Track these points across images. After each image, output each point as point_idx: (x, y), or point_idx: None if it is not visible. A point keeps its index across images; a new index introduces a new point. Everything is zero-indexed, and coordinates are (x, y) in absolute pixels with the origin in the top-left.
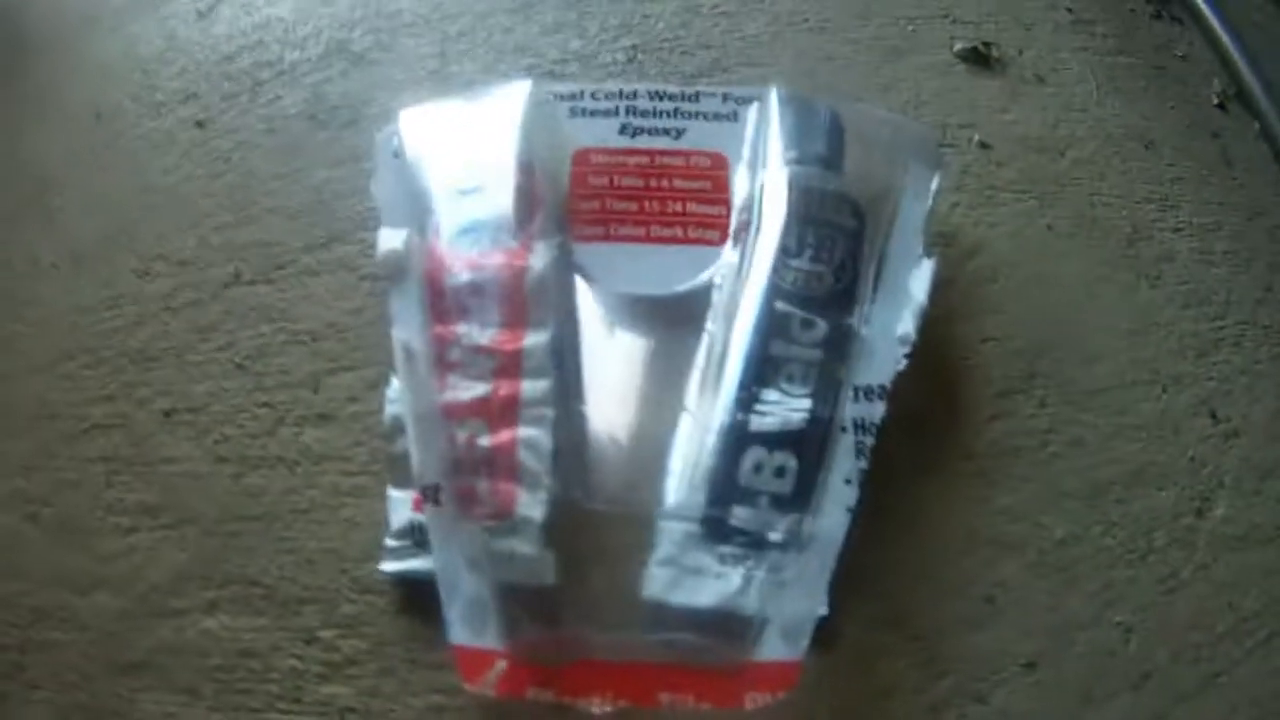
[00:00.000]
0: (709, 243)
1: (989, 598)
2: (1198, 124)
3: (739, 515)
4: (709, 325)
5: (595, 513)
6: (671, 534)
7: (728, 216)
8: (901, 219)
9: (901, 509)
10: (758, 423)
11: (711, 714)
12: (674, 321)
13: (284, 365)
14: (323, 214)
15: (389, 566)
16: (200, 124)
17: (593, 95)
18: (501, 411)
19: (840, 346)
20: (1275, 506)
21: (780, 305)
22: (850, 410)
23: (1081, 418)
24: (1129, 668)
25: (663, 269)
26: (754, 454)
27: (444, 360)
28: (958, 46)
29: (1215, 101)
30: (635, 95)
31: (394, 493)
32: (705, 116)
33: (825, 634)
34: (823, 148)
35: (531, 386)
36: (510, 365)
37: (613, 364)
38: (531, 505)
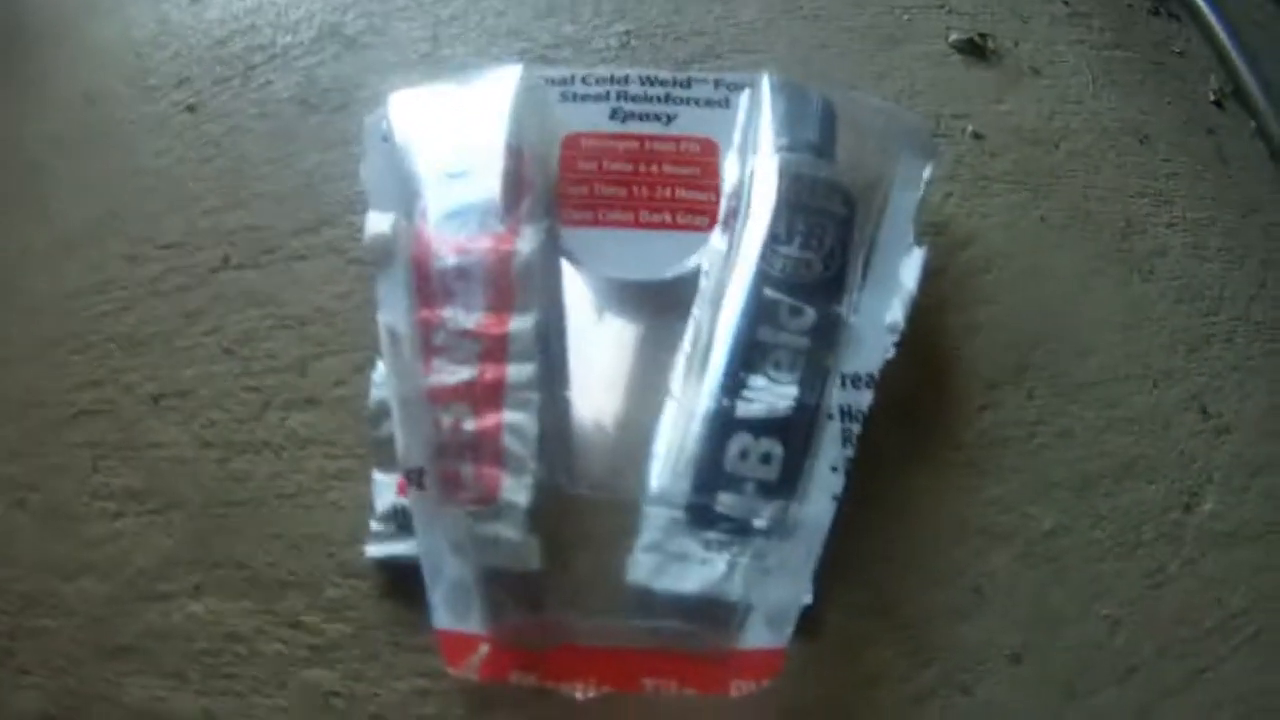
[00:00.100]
0: (698, 229)
1: (976, 588)
2: (1194, 120)
3: (724, 501)
4: (696, 311)
5: (580, 498)
6: (656, 520)
7: (717, 202)
8: (893, 208)
9: (889, 497)
10: (744, 409)
11: (696, 700)
12: (661, 307)
13: (271, 350)
14: (312, 198)
15: (373, 550)
16: (191, 108)
17: (583, 80)
18: (487, 396)
19: (828, 334)
20: (1264, 503)
21: (768, 292)
22: (837, 398)
23: (1071, 410)
24: (1115, 661)
25: (651, 254)
26: (740, 440)
27: (429, 344)
28: (953, 37)
29: (1212, 98)
30: (626, 80)
31: (378, 476)
32: (697, 102)
33: (810, 622)
34: (814, 135)
35: (517, 371)
36: (496, 349)
37: (599, 349)
38: (516, 490)
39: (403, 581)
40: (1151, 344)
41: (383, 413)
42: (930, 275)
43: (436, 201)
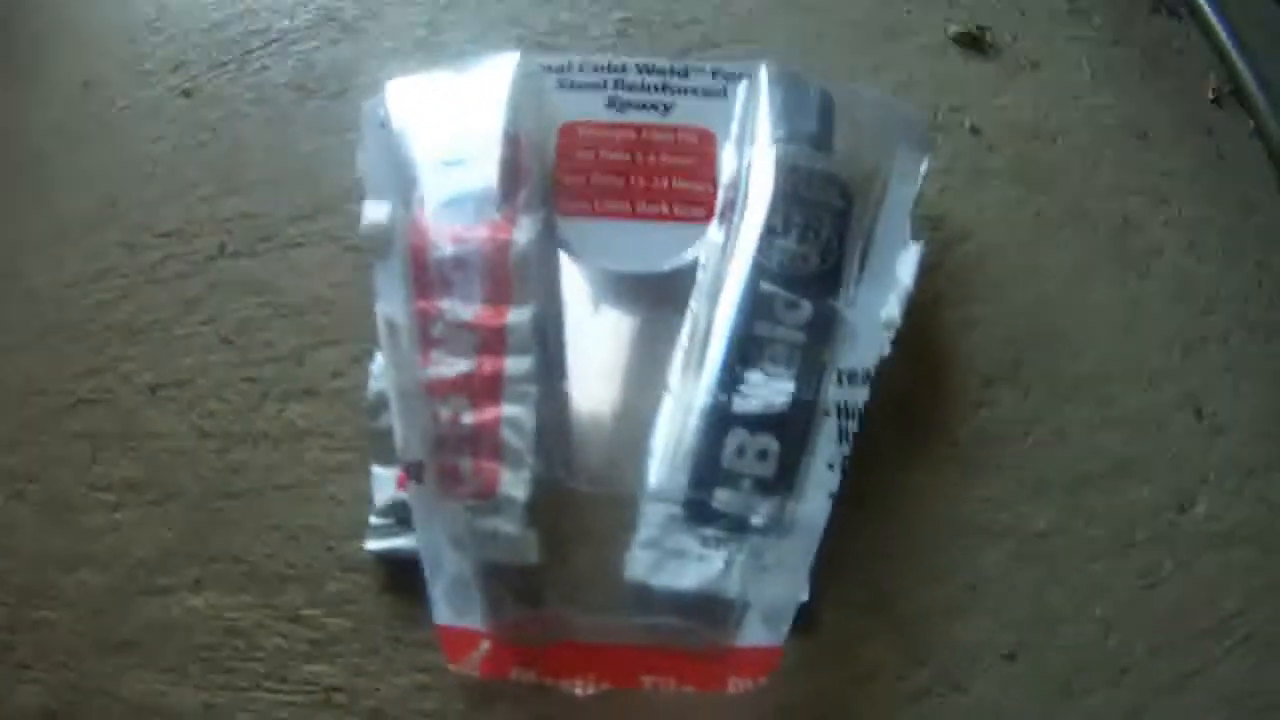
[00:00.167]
0: (695, 220)
1: (970, 586)
2: (1192, 119)
3: (721, 498)
4: (693, 304)
5: (578, 493)
6: (654, 516)
7: (714, 194)
8: (889, 201)
9: (884, 495)
10: (740, 404)
11: (694, 697)
12: (658, 300)
13: (269, 339)
14: (309, 185)
15: (373, 545)
16: (188, 93)
17: (581, 68)
18: (485, 388)
19: (824, 329)
20: (1258, 505)
21: (765, 285)
22: (834, 394)
23: (1066, 409)
24: (1109, 661)
25: (648, 246)
26: (736, 436)
27: (428, 336)
28: (952, 30)
29: (1210, 97)
30: (624, 69)
31: (378, 470)
32: (694, 92)
33: (806, 619)
34: (812, 126)
35: (515, 363)
36: (494, 342)
37: (596, 342)
38: (514, 484)
39: (402, 576)
40: (1147, 343)
41: (381, 405)
42: (926, 270)
43: (434, 189)
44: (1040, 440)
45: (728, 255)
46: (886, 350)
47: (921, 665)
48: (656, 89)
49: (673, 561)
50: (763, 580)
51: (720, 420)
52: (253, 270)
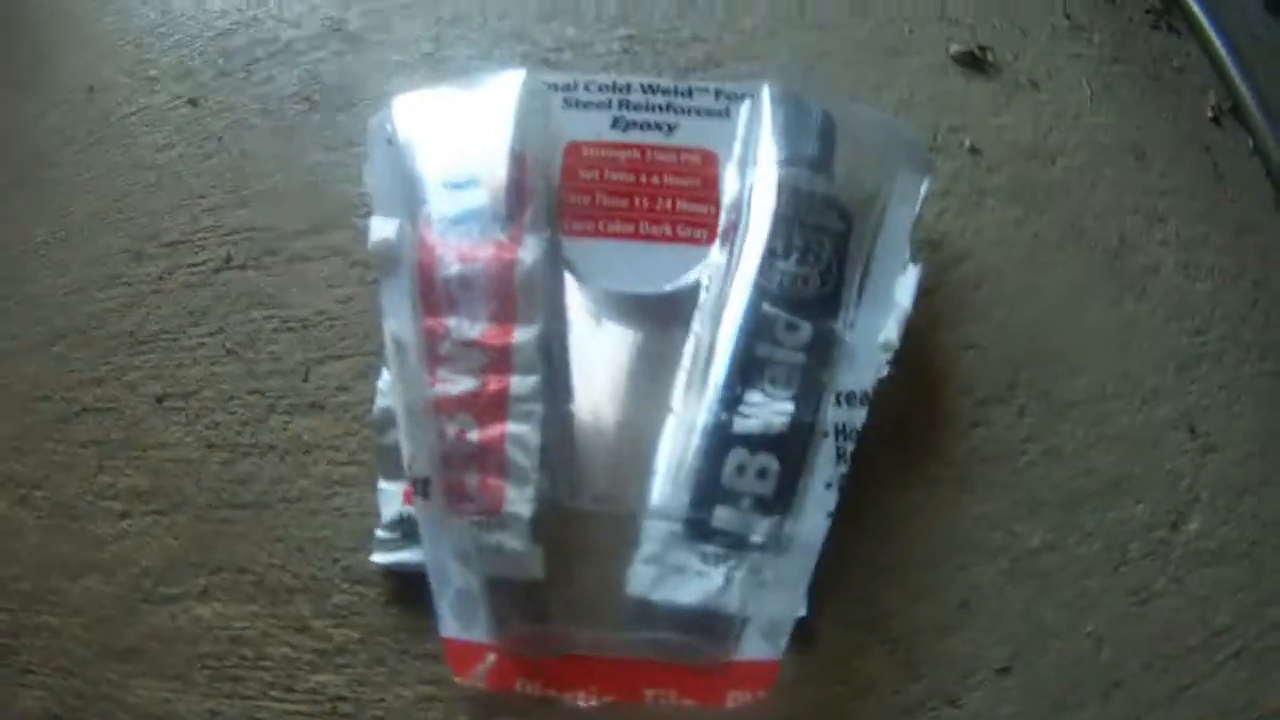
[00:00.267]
0: (697, 242)
1: (964, 603)
2: (1190, 136)
3: (721, 516)
4: (695, 326)
5: (582, 510)
6: (655, 532)
7: (716, 216)
8: (889, 224)
9: (880, 513)
10: (741, 424)
11: (694, 710)
12: (661, 320)
13: (275, 352)
14: (315, 199)
15: (379, 558)
16: (193, 102)
17: (586, 87)
18: (491, 406)
19: (824, 351)
20: (1249, 522)
21: (766, 307)
22: (832, 415)
23: (1061, 428)
24: (1101, 676)
25: (651, 267)
26: (737, 455)
27: (435, 354)
28: (953, 49)
29: (1209, 115)
30: (628, 88)
31: (384, 485)
32: (697, 112)
33: (803, 634)
34: (813, 149)
35: (520, 382)
36: (500, 360)
37: (600, 361)
38: (519, 502)
39: (408, 589)
40: (1141, 363)
41: (388, 421)
42: (924, 292)
43: (440, 207)
44: (1035, 459)
45: (730, 277)
46: (885, 372)
47: (916, 680)
48: (660, 109)
49: (674, 577)
50: (762, 596)
51: (721, 440)
52: (259, 283)
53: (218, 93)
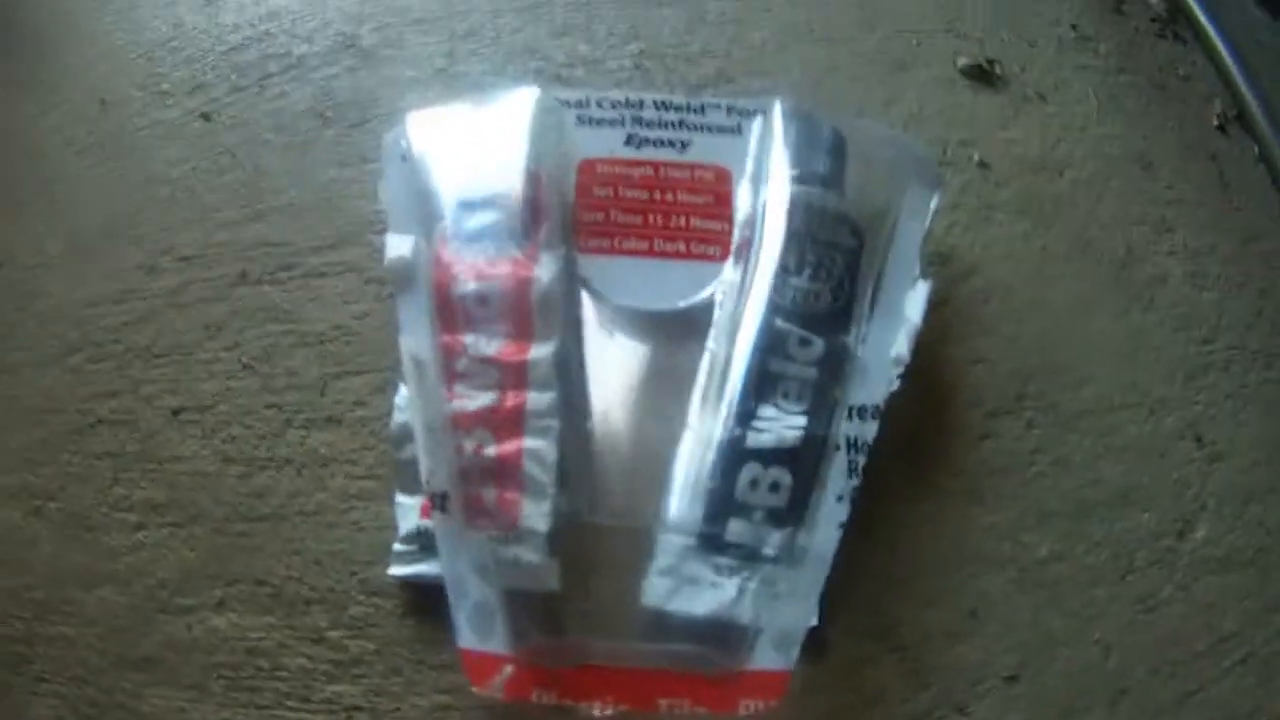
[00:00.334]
0: (711, 258)
1: (973, 612)
2: (1197, 145)
3: (734, 529)
4: (710, 343)
5: (598, 524)
6: (671, 545)
7: (730, 232)
8: (899, 239)
9: (891, 524)
10: (754, 439)
11: (707, 718)
12: (676, 337)
13: (291, 367)
14: (330, 214)
15: (397, 570)
16: (207, 116)
17: (599, 103)
18: (508, 422)
19: (836, 366)
20: (1256, 530)
21: (779, 322)
22: (844, 429)
23: (1069, 439)
24: (1108, 683)
25: (666, 284)
26: (750, 470)
27: (452, 370)
28: (961, 61)
29: (1215, 123)
30: (641, 105)
31: (401, 499)
32: (710, 129)
33: (814, 643)
34: (824, 166)
35: (537, 398)
36: (517, 377)
37: (616, 378)
38: (536, 517)
39: (424, 600)
40: (1148, 373)
41: (405, 436)
42: (934, 306)
43: (456, 224)
44: (1043, 470)
45: (744, 293)
46: (895, 386)
47: (926, 688)
48: (673, 126)
49: (688, 588)
50: (774, 607)
51: (735, 454)
52: (275, 298)
53: (231, 107)
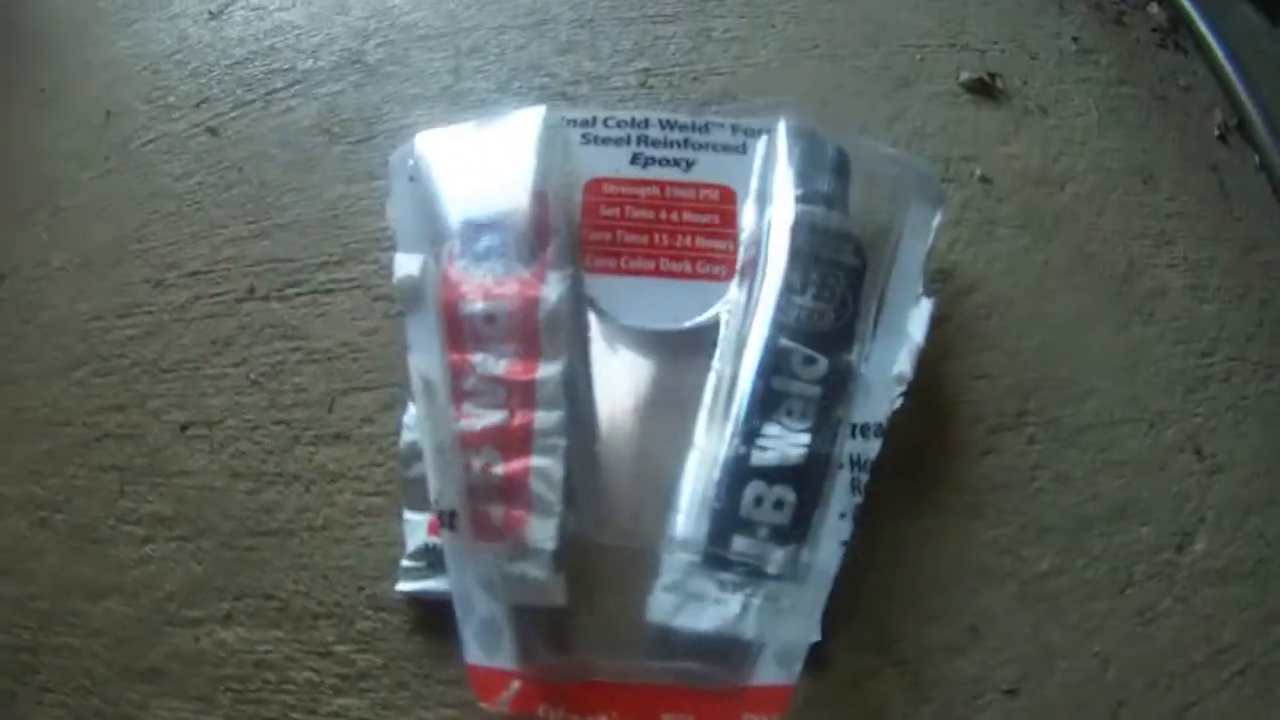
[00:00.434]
0: (716, 278)
1: (973, 626)
2: (1197, 156)
3: (739, 546)
4: (715, 362)
5: (604, 544)
6: (676, 562)
7: (735, 252)
8: (902, 257)
9: (893, 540)
10: (759, 457)
11: None
12: (682, 356)
13: (299, 383)
14: (337, 231)
15: (405, 586)
16: (212, 130)
17: (605, 122)
18: (515, 440)
19: (840, 384)
20: (1255, 542)
21: (784, 341)
22: (848, 447)
23: (1070, 454)
24: (1106, 696)
25: (672, 304)
26: (755, 487)
27: (460, 389)
28: (963, 76)
29: (1216, 133)
30: (647, 124)
31: (409, 515)
32: (714, 148)
33: (816, 658)
34: (828, 186)
35: (545, 417)
36: (524, 396)
37: (623, 397)
38: (543, 535)
39: (432, 616)
40: (1149, 386)
41: (414, 455)
42: (936, 323)
43: (463, 244)
44: (1044, 485)
45: (749, 313)
46: (898, 404)
47: (926, 702)
48: (678, 145)
49: (692, 604)
50: (778, 623)
51: (740, 472)
52: (282, 314)
53: (236, 122)
